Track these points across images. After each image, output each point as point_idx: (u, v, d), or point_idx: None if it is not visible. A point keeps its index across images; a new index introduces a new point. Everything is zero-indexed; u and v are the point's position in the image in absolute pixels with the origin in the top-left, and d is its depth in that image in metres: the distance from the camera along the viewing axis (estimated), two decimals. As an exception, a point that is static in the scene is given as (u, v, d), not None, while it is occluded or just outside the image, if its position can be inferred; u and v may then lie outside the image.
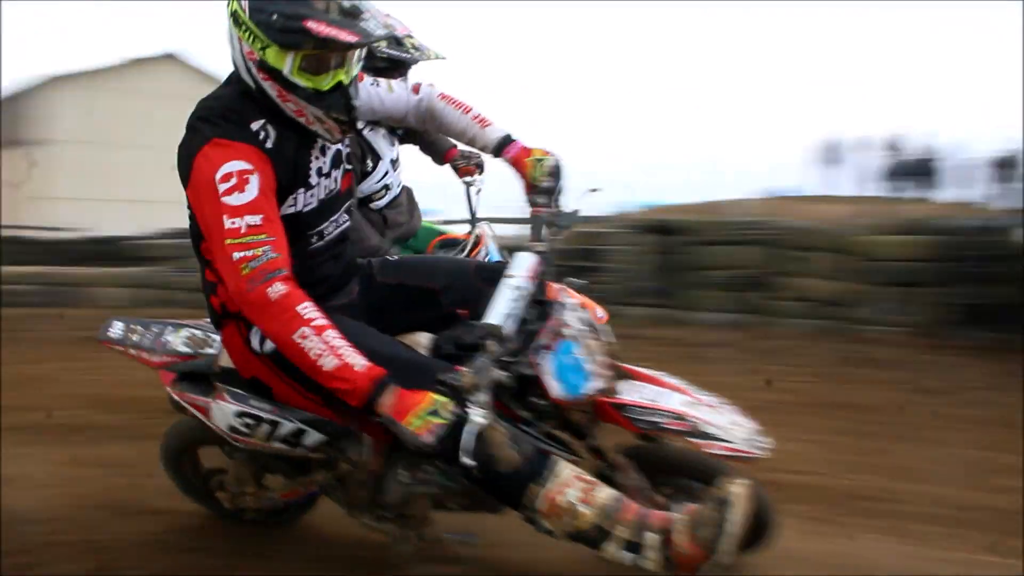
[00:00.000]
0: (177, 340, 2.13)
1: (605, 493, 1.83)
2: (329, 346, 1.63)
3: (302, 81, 1.77)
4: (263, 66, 1.76)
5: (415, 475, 2.10)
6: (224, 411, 2.00)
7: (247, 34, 1.74)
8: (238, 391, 2.00)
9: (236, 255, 1.65)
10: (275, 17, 1.70)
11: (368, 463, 2.13)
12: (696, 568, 1.76)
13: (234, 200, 1.67)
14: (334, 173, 1.97)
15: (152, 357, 2.13)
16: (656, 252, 7.47)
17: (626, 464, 2.02)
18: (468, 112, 2.14)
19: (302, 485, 2.31)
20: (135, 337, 2.17)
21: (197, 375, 2.09)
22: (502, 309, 1.72)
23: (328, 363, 1.63)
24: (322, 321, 1.66)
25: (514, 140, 2.13)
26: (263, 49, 1.74)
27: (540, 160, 2.05)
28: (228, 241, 1.66)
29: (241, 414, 1.99)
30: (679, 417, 1.91)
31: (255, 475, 2.38)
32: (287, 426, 2.00)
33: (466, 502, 2.12)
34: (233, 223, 1.66)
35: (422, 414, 1.61)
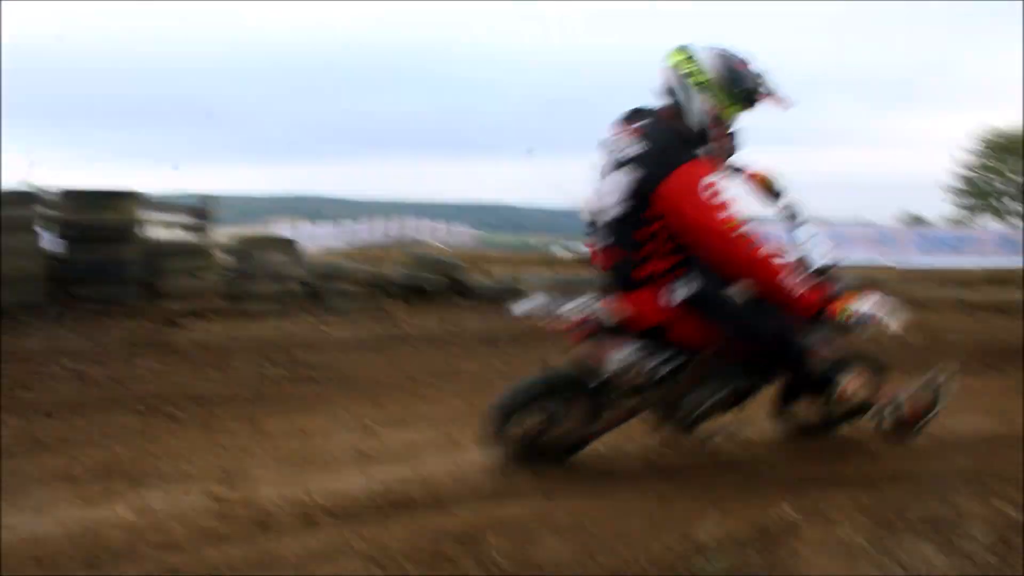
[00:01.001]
0: (570, 309, 3.06)
1: (867, 382, 3.10)
2: (799, 279, 2.83)
3: (730, 128, 2.95)
4: (717, 118, 2.91)
5: (715, 388, 3.19)
6: (616, 356, 3.00)
7: (716, 96, 2.89)
8: (626, 339, 3.00)
9: (738, 231, 2.77)
10: (739, 88, 2.93)
11: (691, 380, 3.18)
12: (914, 424, 3.17)
13: (722, 199, 2.79)
14: None
15: (562, 324, 3.05)
16: None
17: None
18: None
19: (628, 410, 3.27)
20: (544, 309, 3.09)
21: (592, 333, 3.04)
22: (823, 250, 2.92)
23: (802, 287, 2.80)
24: (788, 264, 2.81)
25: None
26: (724, 107, 2.90)
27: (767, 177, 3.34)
28: (729, 225, 2.76)
29: (626, 356, 3.00)
30: (874, 314, 3.15)
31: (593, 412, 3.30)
32: (656, 359, 3.02)
33: (734, 404, 3.23)
34: (730, 213, 2.79)
35: (847, 307, 2.83)
